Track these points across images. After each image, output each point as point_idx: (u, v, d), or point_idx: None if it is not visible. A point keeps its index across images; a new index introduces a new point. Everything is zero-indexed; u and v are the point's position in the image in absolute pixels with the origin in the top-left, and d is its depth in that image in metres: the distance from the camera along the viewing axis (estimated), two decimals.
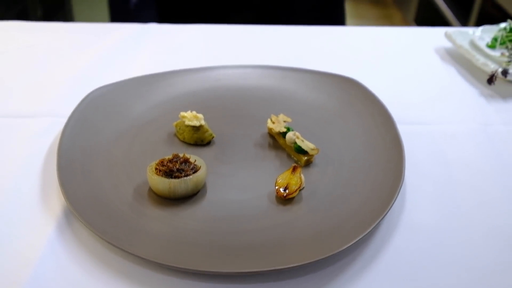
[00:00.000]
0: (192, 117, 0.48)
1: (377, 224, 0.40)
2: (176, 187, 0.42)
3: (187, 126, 0.48)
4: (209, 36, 0.71)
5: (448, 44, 0.67)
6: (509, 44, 0.64)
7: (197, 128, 0.48)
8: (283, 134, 0.48)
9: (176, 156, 0.44)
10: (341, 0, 1.02)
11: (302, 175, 0.44)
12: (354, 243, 0.37)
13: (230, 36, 0.71)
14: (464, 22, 2.09)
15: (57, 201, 0.43)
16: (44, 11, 1.49)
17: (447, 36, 0.66)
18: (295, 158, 0.47)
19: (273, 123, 0.49)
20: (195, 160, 0.44)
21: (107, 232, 0.38)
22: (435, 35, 0.70)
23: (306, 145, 0.46)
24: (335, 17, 1.02)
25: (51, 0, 1.56)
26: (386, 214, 0.40)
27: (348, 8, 3.51)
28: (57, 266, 0.37)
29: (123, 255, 0.38)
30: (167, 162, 0.43)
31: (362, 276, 0.37)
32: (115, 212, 0.41)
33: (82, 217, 0.39)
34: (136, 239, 0.38)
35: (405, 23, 3.00)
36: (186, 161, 0.44)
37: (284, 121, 0.49)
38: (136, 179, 0.44)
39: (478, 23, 1.89)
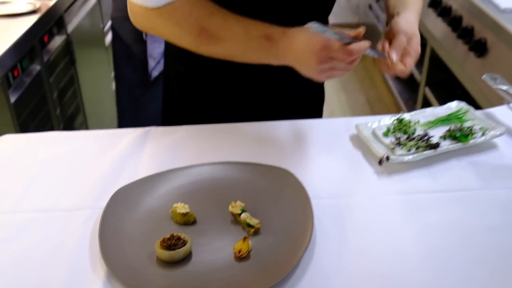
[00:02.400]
0: (181, 207, 0.77)
1: (292, 270, 0.68)
2: (173, 256, 0.70)
3: (179, 213, 0.77)
4: (196, 135, 1.00)
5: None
6: (397, 133, 0.93)
7: (184, 214, 0.77)
8: (239, 214, 0.76)
9: (172, 236, 0.72)
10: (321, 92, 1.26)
11: (250, 242, 0.72)
12: (279, 282, 0.65)
13: (211, 135, 1.00)
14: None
15: (101, 268, 0.71)
16: (58, 94, 1.79)
17: (356, 127, 0.95)
18: (247, 230, 0.75)
19: (233, 207, 0.77)
20: (184, 237, 0.72)
21: (133, 286, 0.66)
22: (351, 125, 0.99)
23: (253, 221, 0.75)
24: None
25: (64, 89, 1.86)
26: (297, 263, 0.68)
27: None
28: None
29: None
30: (167, 240, 0.71)
31: None
32: (137, 272, 0.69)
33: (118, 278, 0.67)
34: None
35: (375, 64, 3.32)
36: (178, 238, 0.72)
37: (240, 205, 0.78)
38: (149, 250, 0.72)
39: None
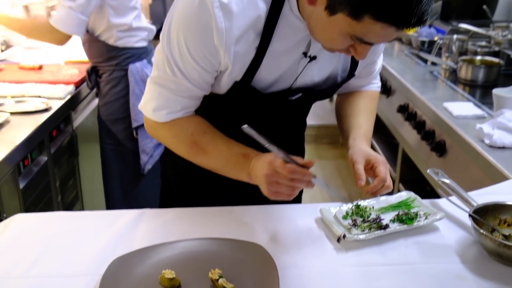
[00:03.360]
0: (168, 273, 0.92)
1: None
2: None
3: (166, 278, 0.91)
4: (185, 216, 1.16)
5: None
6: (354, 216, 1.10)
7: (171, 279, 0.91)
8: (217, 280, 0.91)
9: None
10: (301, 144, 1.45)
11: None
12: None
13: (197, 216, 1.16)
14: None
15: None
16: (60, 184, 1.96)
17: (320, 211, 1.12)
18: None
19: (212, 274, 0.92)
20: None
21: None
22: (317, 210, 1.16)
23: (229, 285, 0.89)
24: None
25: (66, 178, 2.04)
26: None
27: (309, 150, 4.09)
28: None
29: None
30: None
31: None
32: None
33: None
34: None
35: None
36: None
37: (218, 272, 0.92)
38: None
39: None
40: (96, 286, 0.93)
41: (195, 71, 1.07)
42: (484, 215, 1.07)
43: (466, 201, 1.12)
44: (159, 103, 1.12)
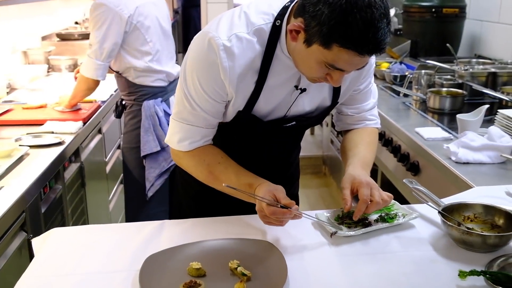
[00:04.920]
0: (195, 264, 1.11)
1: None
2: None
3: (193, 268, 1.11)
4: (200, 224, 1.36)
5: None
6: (344, 218, 1.31)
7: (198, 269, 1.11)
8: (236, 268, 1.11)
9: (191, 281, 1.05)
10: (297, 165, 1.66)
11: (245, 284, 1.06)
12: None
13: (210, 224, 1.36)
14: None
15: None
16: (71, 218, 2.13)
17: (316, 215, 1.33)
18: (241, 278, 1.09)
19: (231, 264, 1.12)
20: (199, 281, 1.06)
21: None
22: (313, 215, 1.37)
23: (246, 272, 1.09)
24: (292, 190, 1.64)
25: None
26: None
27: None
28: None
29: None
30: (188, 283, 1.05)
31: None
32: None
33: None
34: None
35: (339, 190, 3.78)
36: (195, 282, 1.05)
37: (236, 262, 1.12)
38: None
39: None
40: (133, 279, 1.11)
41: (208, 103, 1.29)
42: (450, 213, 1.29)
43: (435, 202, 1.34)
44: (182, 135, 1.34)
